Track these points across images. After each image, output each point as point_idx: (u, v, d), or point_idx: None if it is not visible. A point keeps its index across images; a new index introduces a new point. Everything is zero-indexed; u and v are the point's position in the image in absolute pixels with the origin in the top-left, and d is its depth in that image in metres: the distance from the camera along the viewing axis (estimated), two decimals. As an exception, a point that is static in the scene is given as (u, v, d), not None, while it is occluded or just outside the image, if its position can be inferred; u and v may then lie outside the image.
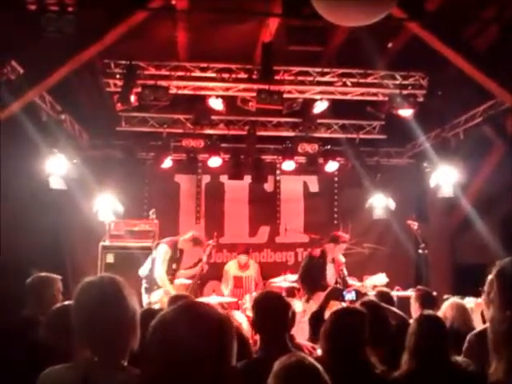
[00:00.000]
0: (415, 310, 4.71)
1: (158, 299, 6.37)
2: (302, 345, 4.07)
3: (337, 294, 4.31)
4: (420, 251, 7.47)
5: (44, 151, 7.38)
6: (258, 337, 3.35)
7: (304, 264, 7.41)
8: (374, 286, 6.83)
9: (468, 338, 3.33)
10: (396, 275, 7.40)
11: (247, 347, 3.58)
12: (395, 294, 7.31)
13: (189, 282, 7.02)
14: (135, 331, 1.89)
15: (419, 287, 5.57)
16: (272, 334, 2.97)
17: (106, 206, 8.25)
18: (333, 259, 7.25)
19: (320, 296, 6.56)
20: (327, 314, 3.28)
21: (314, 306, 6.28)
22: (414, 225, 7.88)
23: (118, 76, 7.09)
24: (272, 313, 3.00)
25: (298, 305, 6.97)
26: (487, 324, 3.54)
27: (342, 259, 7.34)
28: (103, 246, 7.93)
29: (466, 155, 8.17)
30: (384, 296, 4.56)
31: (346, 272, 7.29)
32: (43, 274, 4.17)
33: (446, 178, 8.17)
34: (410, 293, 5.69)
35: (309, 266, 7.26)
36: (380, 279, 6.92)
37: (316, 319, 4.04)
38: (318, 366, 1.99)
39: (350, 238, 7.45)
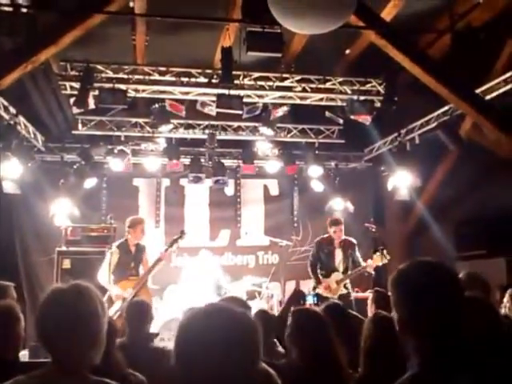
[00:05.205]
0: (372, 312, 4.80)
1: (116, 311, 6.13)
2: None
3: (299, 298, 4.32)
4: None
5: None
6: None
7: (312, 252, 7.50)
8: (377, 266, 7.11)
9: None
10: (354, 277, 7.50)
11: None
12: (354, 295, 7.49)
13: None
14: (101, 343, 1.86)
15: (376, 289, 5.66)
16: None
17: (62, 211, 8.07)
18: (339, 243, 7.34)
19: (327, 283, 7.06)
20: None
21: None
22: (372, 227, 8.05)
23: (74, 79, 6.93)
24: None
25: (262, 305, 7.07)
26: None
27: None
28: (59, 252, 7.76)
29: (422, 160, 8.38)
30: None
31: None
32: None
33: (402, 181, 8.36)
34: (369, 294, 5.79)
35: (317, 254, 7.37)
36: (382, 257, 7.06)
37: (279, 324, 3.99)
38: None
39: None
